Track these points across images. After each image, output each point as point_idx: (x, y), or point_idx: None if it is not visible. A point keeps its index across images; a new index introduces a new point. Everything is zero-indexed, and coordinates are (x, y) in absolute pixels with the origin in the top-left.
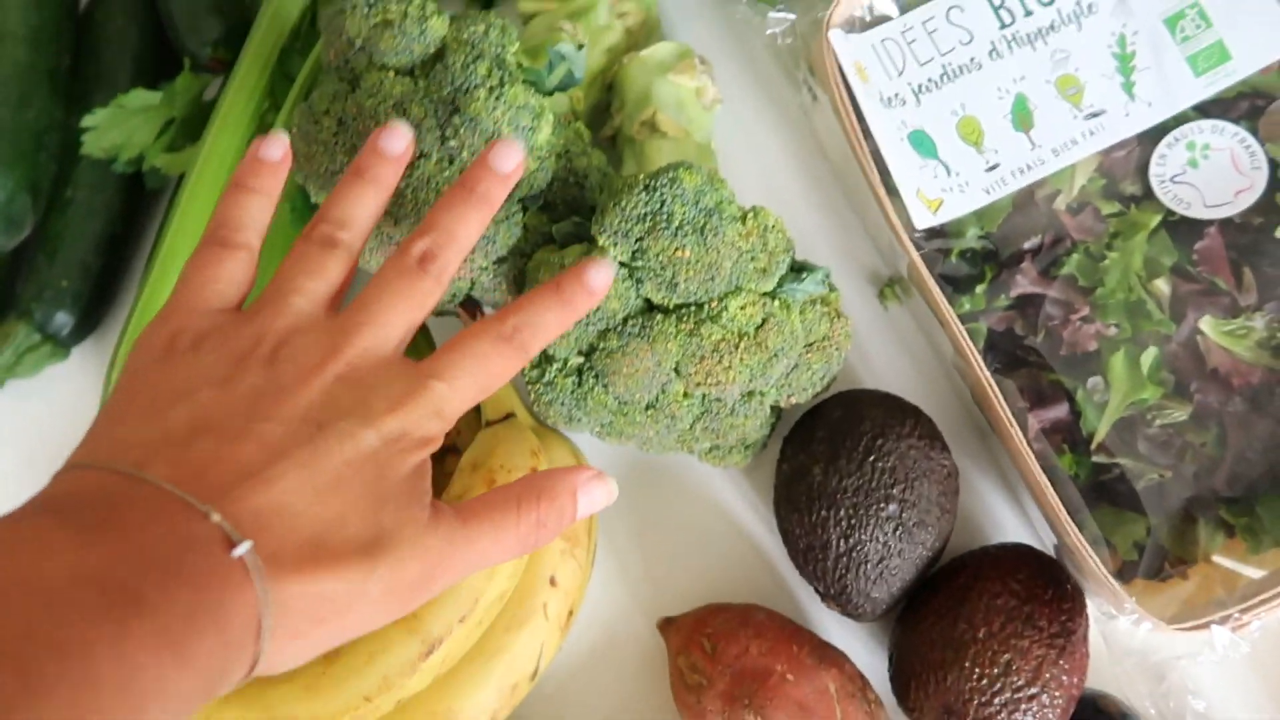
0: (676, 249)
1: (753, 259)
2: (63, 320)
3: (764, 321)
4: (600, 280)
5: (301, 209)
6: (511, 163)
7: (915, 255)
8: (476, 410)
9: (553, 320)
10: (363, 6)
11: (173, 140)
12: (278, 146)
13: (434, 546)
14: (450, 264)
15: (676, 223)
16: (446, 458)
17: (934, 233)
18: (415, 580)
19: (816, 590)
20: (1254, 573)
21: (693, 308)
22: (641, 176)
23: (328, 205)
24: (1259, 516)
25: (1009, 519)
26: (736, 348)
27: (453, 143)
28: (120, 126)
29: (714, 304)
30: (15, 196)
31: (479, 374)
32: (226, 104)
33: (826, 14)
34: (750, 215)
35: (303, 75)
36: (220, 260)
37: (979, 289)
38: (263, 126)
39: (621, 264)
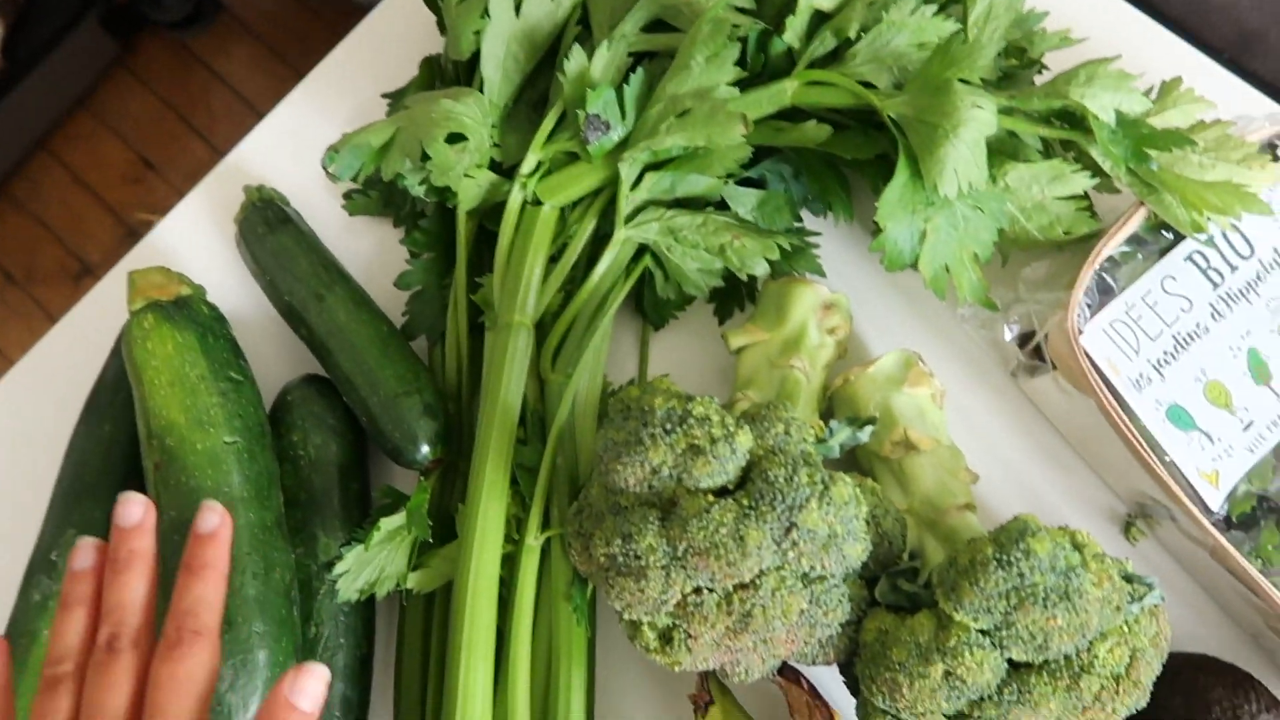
0: (1049, 619)
1: (1109, 603)
2: None
3: (1132, 658)
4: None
5: (584, 605)
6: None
7: (1220, 537)
8: None
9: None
10: (662, 434)
11: (418, 557)
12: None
13: None
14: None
15: (1041, 594)
16: None
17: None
18: None
19: None
20: None
21: (1062, 660)
22: (990, 550)
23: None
24: None
25: None
26: (1117, 693)
27: (791, 554)
28: (372, 564)
29: (1084, 655)
30: (288, 665)
31: None
32: (481, 509)
33: (1069, 318)
34: (1090, 556)
35: (545, 467)
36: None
37: (1271, 546)
38: (517, 524)
39: (982, 633)
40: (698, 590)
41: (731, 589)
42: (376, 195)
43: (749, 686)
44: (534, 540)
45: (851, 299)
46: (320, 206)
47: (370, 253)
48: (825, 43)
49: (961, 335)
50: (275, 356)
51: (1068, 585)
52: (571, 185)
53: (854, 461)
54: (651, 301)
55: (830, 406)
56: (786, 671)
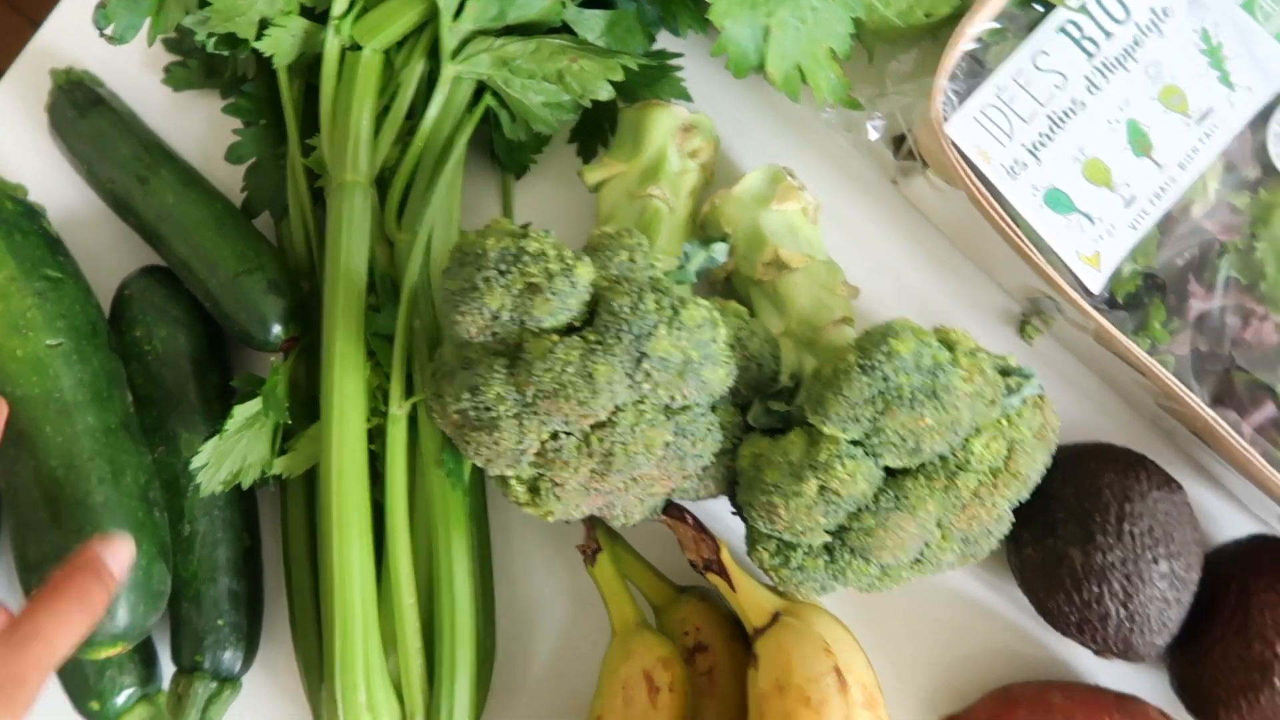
0: (917, 419)
1: (980, 397)
2: (232, 658)
3: (1010, 450)
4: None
5: (456, 469)
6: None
7: (1103, 320)
8: (705, 600)
9: (78, 629)
10: (498, 276)
11: (282, 440)
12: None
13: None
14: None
15: (908, 396)
16: (695, 658)
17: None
18: None
19: (1091, 649)
20: None
21: (937, 461)
22: (852, 357)
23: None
24: None
25: (1226, 511)
26: (995, 486)
27: (646, 386)
28: (232, 453)
29: (958, 453)
30: (152, 569)
31: None
32: (338, 386)
33: (933, 106)
34: (959, 352)
35: (400, 333)
36: None
37: (1156, 322)
38: (383, 395)
39: (854, 444)
40: (555, 435)
41: (589, 429)
42: (197, 65)
43: (639, 530)
44: (398, 409)
45: (721, 119)
46: (141, 85)
47: (201, 130)
48: None
49: (838, 146)
50: (110, 251)
51: (934, 383)
52: (388, 23)
53: (733, 290)
54: (503, 145)
55: (703, 235)
56: (671, 509)
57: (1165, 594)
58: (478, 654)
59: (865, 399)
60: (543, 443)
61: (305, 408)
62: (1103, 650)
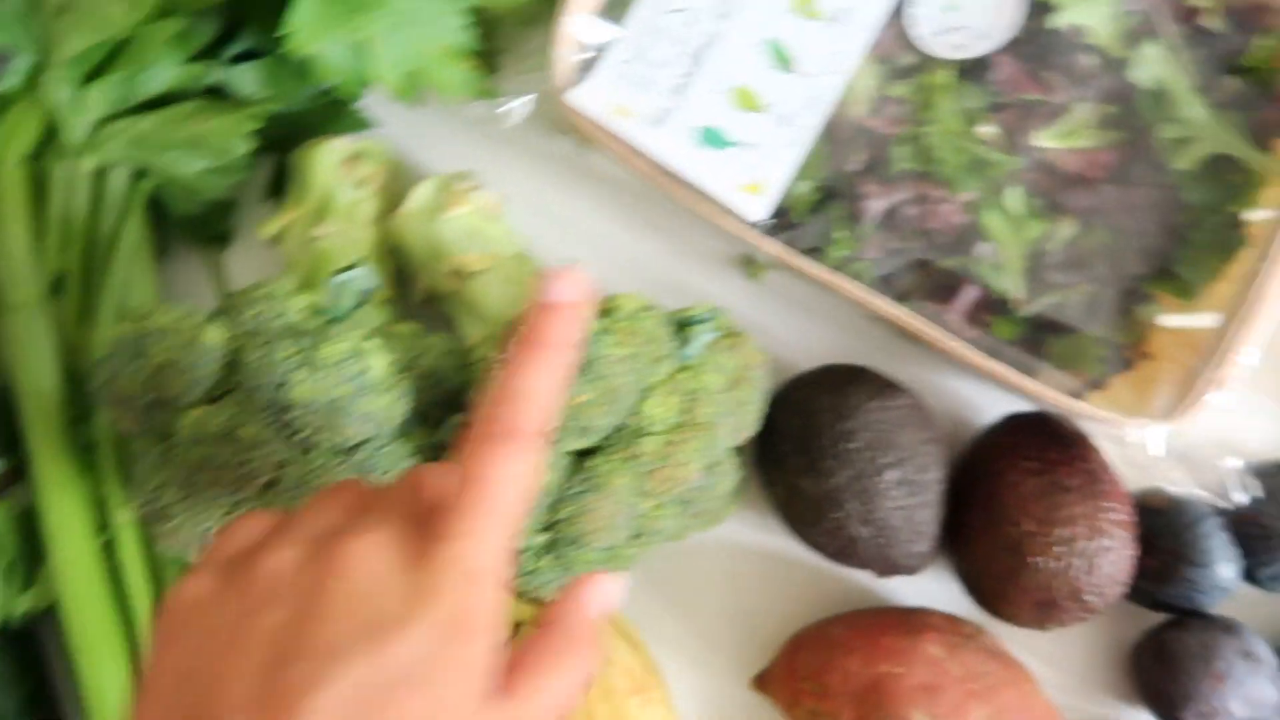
0: (575, 398)
1: (642, 357)
2: None
3: (687, 402)
4: (572, 292)
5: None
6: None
7: (774, 246)
8: None
9: (551, 382)
10: (125, 361)
11: (22, 577)
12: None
13: None
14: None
15: None
16: None
17: (776, 212)
18: None
19: (873, 572)
20: (1207, 320)
21: (616, 433)
22: (493, 354)
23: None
24: (1179, 273)
25: (984, 396)
26: (679, 443)
27: (303, 434)
28: None
29: (633, 419)
30: None
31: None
32: (53, 511)
33: (553, 82)
34: (616, 317)
35: (104, 439)
36: None
37: (840, 234)
38: (103, 507)
39: None
40: (230, 507)
41: (260, 490)
42: None
43: None
44: (125, 517)
45: (407, 138)
46: None
47: None
48: None
49: (526, 139)
50: None
51: (584, 357)
52: (16, 134)
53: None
54: (182, 222)
55: (401, 259)
56: None
57: (903, 501)
58: None
59: None
60: (222, 516)
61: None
62: (874, 570)
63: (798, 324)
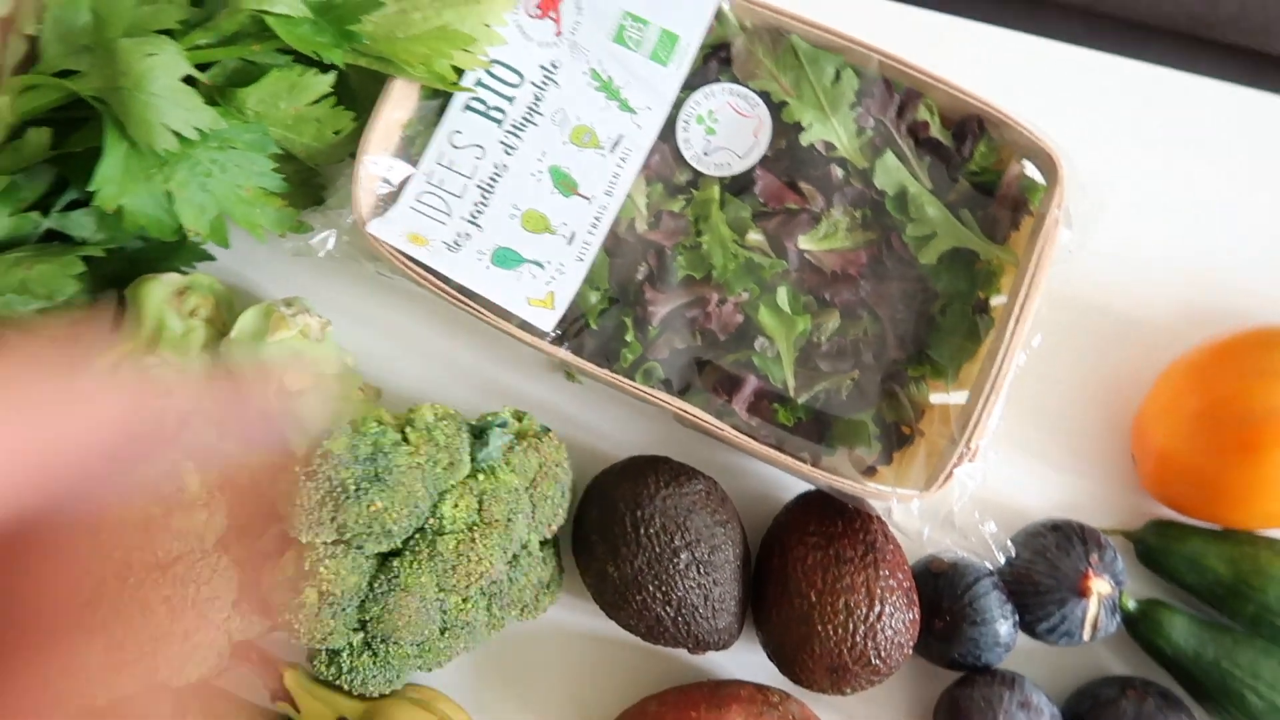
0: (369, 505)
1: (434, 465)
2: None
3: (480, 502)
4: None
5: None
6: None
7: (566, 354)
8: None
9: None
10: None
11: None
12: None
13: None
14: None
15: (353, 487)
16: None
17: (566, 320)
18: None
19: (686, 649)
20: (960, 396)
21: (415, 535)
22: (298, 468)
23: None
24: (934, 357)
25: (786, 477)
26: (475, 540)
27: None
28: None
29: (431, 521)
30: None
31: None
32: None
33: (355, 217)
34: (410, 429)
35: None
36: None
37: (629, 337)
38: None
39: (330, 544)
40: None
41: None
42: None
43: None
44: None
45: (247, 267)
46: None
47: None
48: (15, 48)
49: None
50: None
51: (376, 468)
52: None
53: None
54: None
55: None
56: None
57: (699, 580)
58: None
59: (317, 502)
60: None
61: None
62: (686, 647)
63: (617, 420)
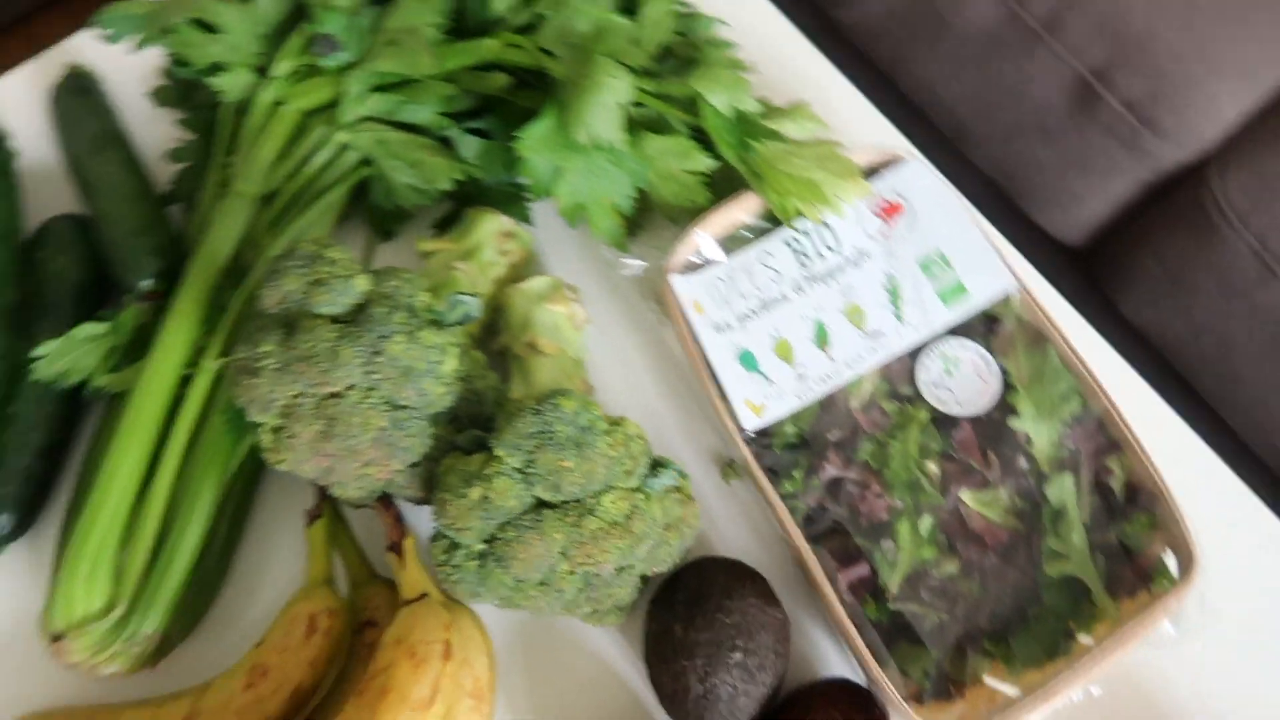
0: (560, 460)
1: (620, 464)
2: (4, 522)
3: (631, 512)
4: None
5: (238, 420)
6: None
7: (746, 450)
8: (393, 589)
9: None
10: (298, 267)
11: (115, 363)
12: None
13: None
14: None
15: (559, 440)
16: (365, 630)
17: (760, 432)
18: None
19: None
20: (1012, 691)
21: (574, 503)
22: (530, 402)
23: None
24: (1012, 647)
25: (833, 657)
26: (610, 534)
27: (376, 376)
28: (69, 355)
29: (591, 500)
30: None
31: None
32: (168, 332)
33: (666, 263)
34: (618, 429)
35: (234, 308)
36: None
37: (797, 474)
38: (198, 351)
39: (516, 470)
40: (298, 395)
41: (324, 396)
42: (178, 90)
43: (362, 523)
44: (211, 362)
45: (551, 239)
46: (136, 98)
47: (160, 135)
48: (524, 16)
49: (629, 285)
50: (51, 199)
51: (582, 438)
52: (311, 93)
53: (504, 359)
54: (373, 208)
55: (497, 316)
56: (384, 498)
57: (736, 681)
58: (197, 575)
59: (529, 434)
60: (289, 398)
61: (145, 350)
62: None
63: (736, 527)
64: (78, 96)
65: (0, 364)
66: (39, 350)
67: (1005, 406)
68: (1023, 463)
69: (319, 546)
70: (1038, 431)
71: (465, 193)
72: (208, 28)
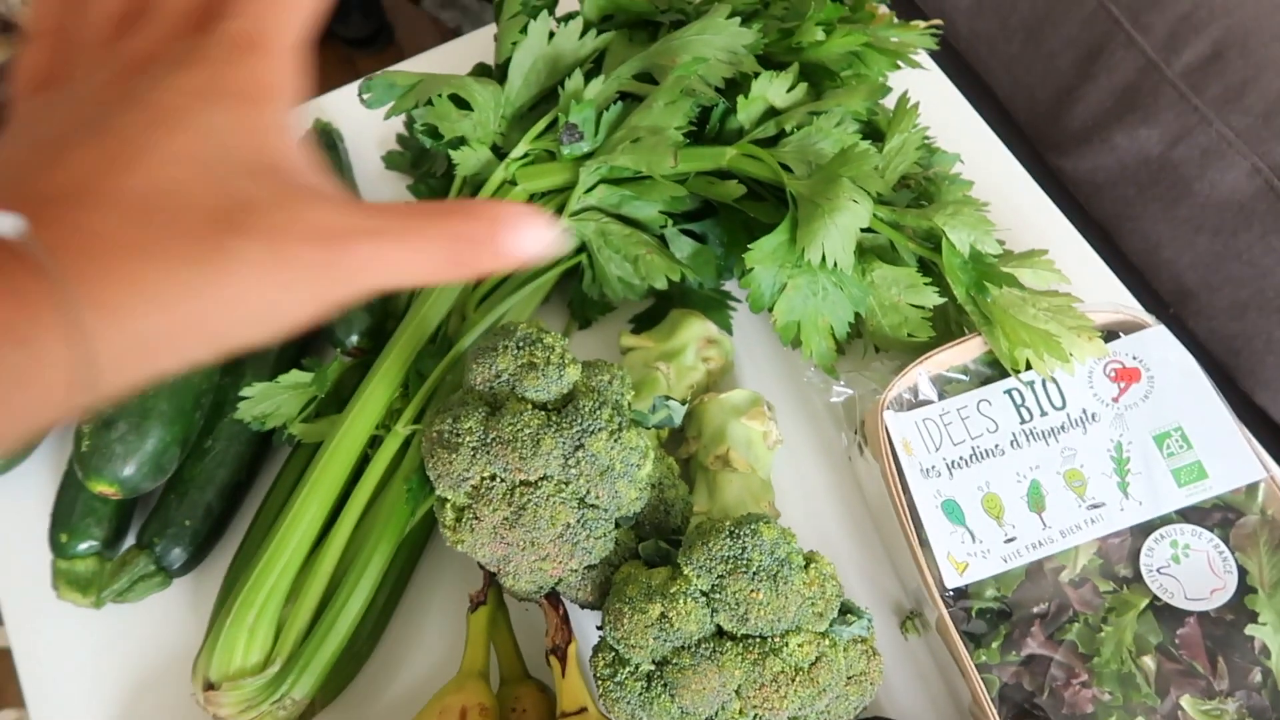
0: (752, 591)
1: (813, 604)
2: (178, 555)
3: (818, 659)
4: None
5: (418, 490)
6: None
7: (944, 610)
8: (543, 691)
9: None
10: (514, 349)
11: (311, 413)
12: None
13: (325, 224)
14: None
15: (754, 569)
16: None
17: (959, 592)
18: (312, 250)
19: None
20: None
21: (758, 639)
22: (728, 523)
23: None
24: None
25: None
26: (793, 680)
27: (573, 470)
28: (272, 399)
29: (777, 639)
30: (168, 449)
31: None
32: (369, 390)
33: (882, 396)
34: (813, 566)
35: (434, 377)
36: None
37: (994, 644)
38: (392, 414)
39: (702, 593)
40: (493, 477)
41: (518, 483)
42: (409, 156)
43: (523, 619)
44: (402, 428)
45: (751, 352)
46: (371, 158)
47: (387, 197)
48: (767, 129)
49: (822, 412)
50: None
51: (778, 571)
52: (543, 176)
53: (690, 468)
54: (579, 295)
55: (688, 423)
56: (551, 596)
57: None
58: (351, 643)
59: (722, 556)
60: (482, 479)
61: (341, 406)
62: None
63: (908, 686)
64: (323, 150)
65: (208, 396)
66: (245, 391)
67: (1241, 610)
68: (1257, 677)
69: (479, 635)
70: (1275, 641)
71: (669, 292)
72: (460, 103)
